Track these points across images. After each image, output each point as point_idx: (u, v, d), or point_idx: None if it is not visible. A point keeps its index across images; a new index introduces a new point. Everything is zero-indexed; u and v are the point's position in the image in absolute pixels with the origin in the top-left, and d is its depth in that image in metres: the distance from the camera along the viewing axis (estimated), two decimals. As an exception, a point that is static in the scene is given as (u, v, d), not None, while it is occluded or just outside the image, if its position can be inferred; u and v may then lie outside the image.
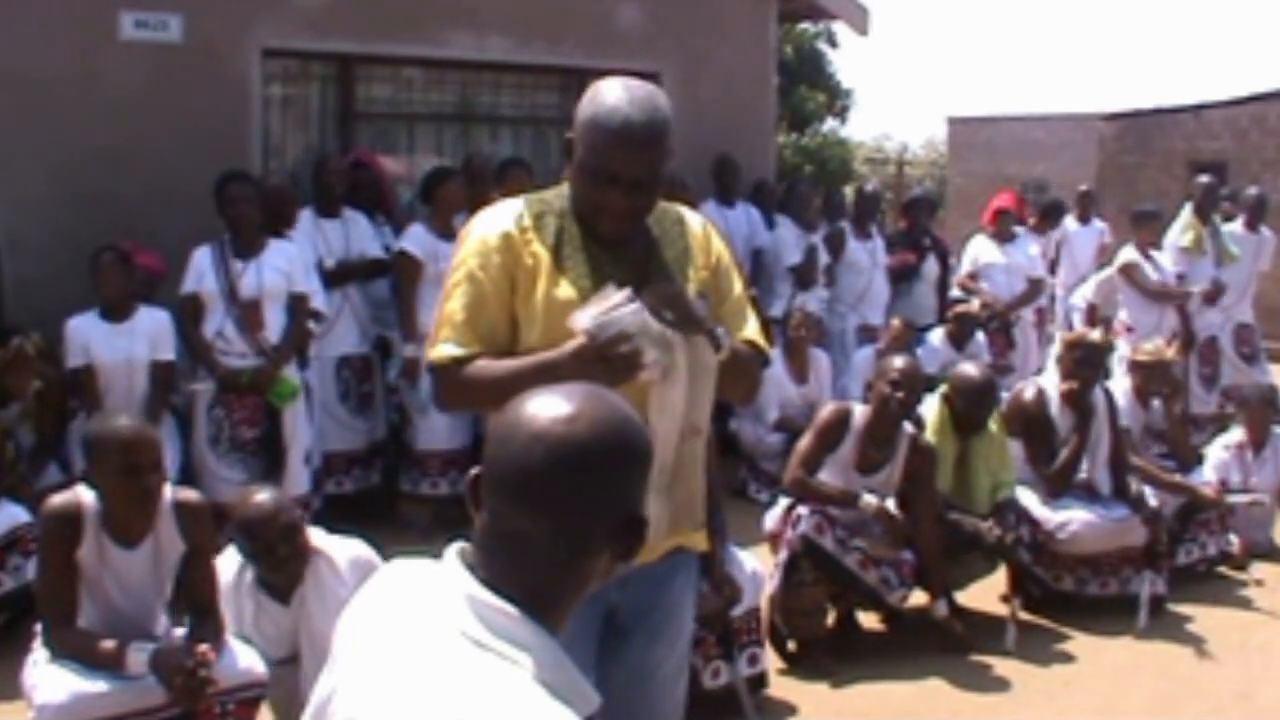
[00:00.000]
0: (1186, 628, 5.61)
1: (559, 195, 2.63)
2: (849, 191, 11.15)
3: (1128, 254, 8.83)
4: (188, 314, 5.92)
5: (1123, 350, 8.09)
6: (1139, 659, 5.27)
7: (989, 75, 77.09)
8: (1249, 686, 5.03)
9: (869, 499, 5.06)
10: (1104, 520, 5.65)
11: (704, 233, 2.73)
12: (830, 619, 5.25)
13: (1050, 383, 5.94)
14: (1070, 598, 5.68)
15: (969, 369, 5.68)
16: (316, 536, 3.92)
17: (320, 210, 6.65)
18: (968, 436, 5.48)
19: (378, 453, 6.84)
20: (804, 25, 16.81)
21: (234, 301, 5.87)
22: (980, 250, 9.14)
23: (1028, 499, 5.66)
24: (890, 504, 5.15)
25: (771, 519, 5.27)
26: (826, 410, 5.34)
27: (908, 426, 5.26)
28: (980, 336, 8.28)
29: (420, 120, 8.14)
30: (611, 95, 2.48)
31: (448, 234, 6.22)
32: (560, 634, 1.55)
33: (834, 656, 5.07)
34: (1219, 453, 6.64)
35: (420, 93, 8.16)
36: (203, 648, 3.50)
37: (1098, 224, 10.89)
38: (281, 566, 3.79)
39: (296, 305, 6.04)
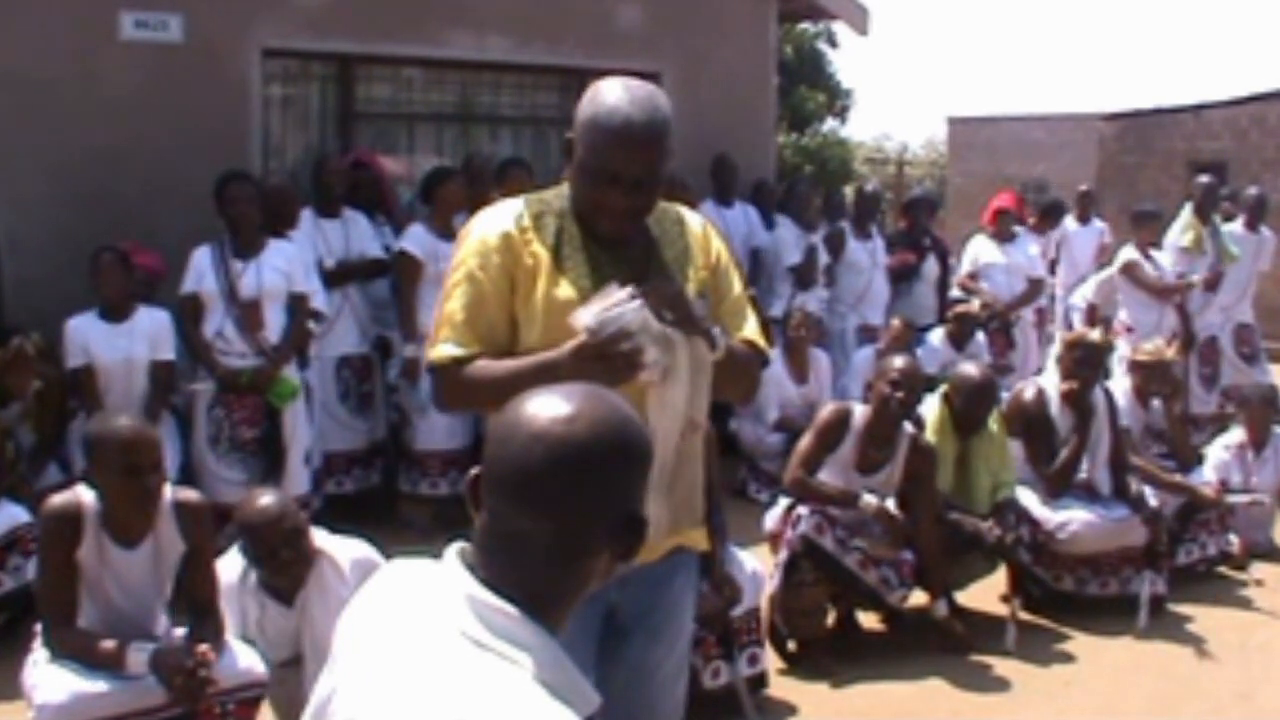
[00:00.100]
0: (1186, 628, 5.61)
1: (558, 195, 2.63)
2: (849, 191, 11.15)
3: (1128, 253, 8.83)
4: (187, 314, 5.92)
5: (1123, 350, 8.09)
6: (1139, 659, 5.27)
7: (989, 75, 77.13)
8: (1249, 686, 5.03)
9: (869, 499, 5.06)
10: (1104, 520, 5.65)
11: (703, 233, 2.73)
12: (830, 619, 5.25)
13: (1050, 383, 5.94)
14: (1070, 598, 5.67)
15: (969, 368, 5.69)
16: (319, 538, 3.92)
17: (320, 210, 6.65)
18: (968, 436, 5.48)
19: (378, 453, 6.84)
20: (804, 25, 16.82)
21: (234, 301, 5.87)
22: (980, 250, 9.14)
23: (1028, 499, 5.66)
24: (890, 504, 5.15)
25: (771, 519, 5.27)
26: (826, 410, 5.34)
27: (908, 426, 5.26)
28: (980, 336, 8.28)
29: (420, 120, 8.14)
30: (612, 95, 2.48)
31: (448, 234, 6.22)
32: (560, 634, 1.55)
33: (834, 656, 5.07)
34: (1219, 453, 6.64)
35: (420, 93, 8.16)
36: (203, 648, 3.51)
37: (1097, 224, 10.88)
38: (285, 570, 3.78)
39: (296, 305, 6.04)
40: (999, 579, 5.66)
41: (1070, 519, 5.62)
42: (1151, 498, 5.85)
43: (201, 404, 5.93)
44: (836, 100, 20.14)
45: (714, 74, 8.54)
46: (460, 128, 8.23)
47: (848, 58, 58.78)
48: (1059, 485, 5.71)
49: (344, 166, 7.01)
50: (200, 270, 5.90)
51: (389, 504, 6.71)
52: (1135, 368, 6.49)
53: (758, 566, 4.75)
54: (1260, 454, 6.62)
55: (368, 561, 3.86)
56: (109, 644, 3.54)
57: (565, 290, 2.52)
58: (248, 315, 5.88)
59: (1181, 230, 8.92)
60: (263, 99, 7.29)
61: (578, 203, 2.58)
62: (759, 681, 4.67)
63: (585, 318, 2.35)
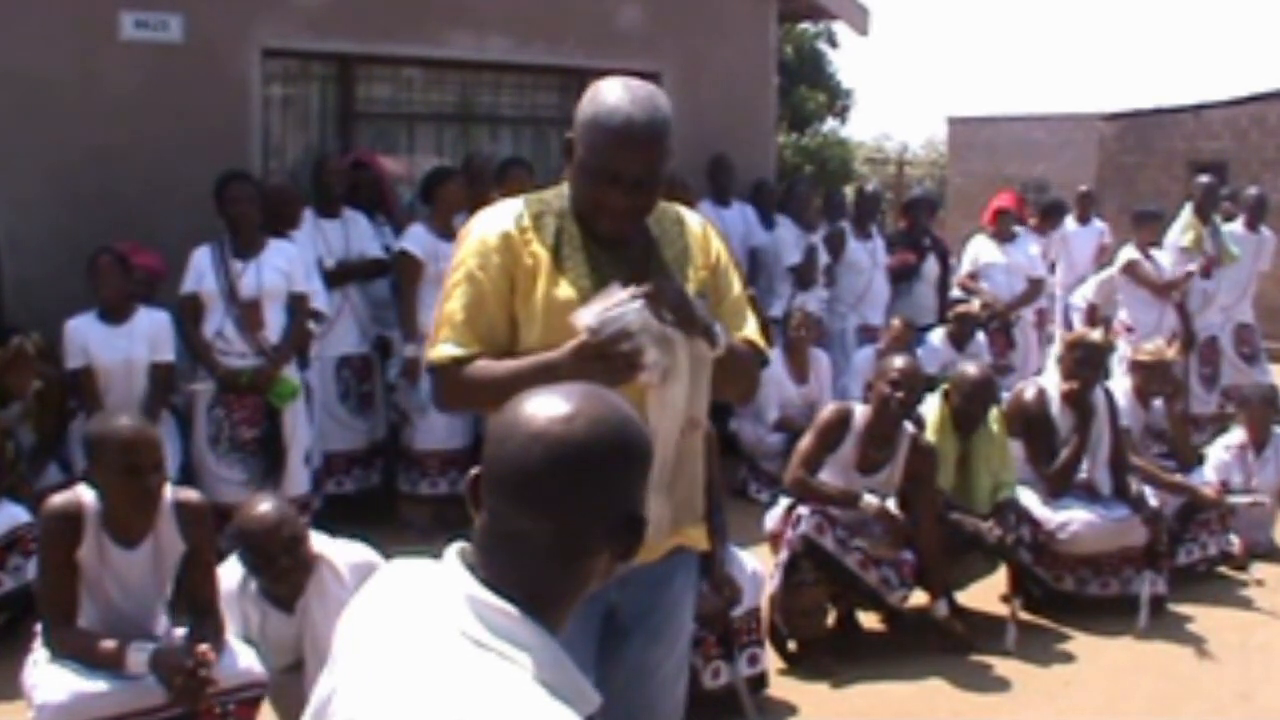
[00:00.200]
0: (1187, 628, 5.61)
1: (558, 195, 2.63)
2: (849, 191, 11.15)
3: (1129, 253, 8.83)
4: (187, 314, 5.91)
5: (1123, 350, 8.09)
6: (1139, 659, 5.27)
7: (989, 75, 77.13)
8: (1249, 686, 5.03)
9: (870, 499, 5.06)
10: (1104, 520, 5.65)
11: (703, 232, 2.73)
12: (830, 619, 5.25)
13: (1051, 383, 5.94)
14: (1071, 598, 5.67)
15: (968, 367, 5.70)
16: (319, 542, 3.89)
17: (320, 210, 6.64)
18: (968, 436, 5.48)
19: (378, 453, 6.84)
20: (804, 25, 16.81)
21: (234, 301, 5.87)
22: (980, 250, 9.14)
23: (1028, 499, 5.66)
24: (891, 504, 5.15)
25: (772, 519, 5.27)
26: (827, 410, 5.34)
27: (908, 426, 5.26)
28: (980, 337, 8.28)
29: (420, 120, 8.14)
30: (612, 95, 2.48)
31: (448, 234, 6.22)
32: (561, 634, 1.55)
33: (834, 656, 5.07)
34: (1220, 453, 6.64)
35: (420, 93, 8.16)
36: (203, 648, 3.50)
37: (1097, 224, 10.88)
38: (284, 578, 3.76)
39: (296, 305, 6.04)
40: (999, 579, 5.66)
41: (1071, 519, 5.62)
42: (1152, 498, 5.85)
43: (201, 404, 5.93)
44: (837, 100, 20.14)
45: (714, 74, 8.54)
46: (460, 128, 8.23)
47: (848, 58, 58.88)
48: (1059, 485, 5.71)
49: (344, 166, 7.01)
50: (200, 270, 5.90)
51: (389, 504, 6.71)
52: (1136, 368, 6.49)
53: (758, 566, 4.75)
54: (1261, 454, 6.62)
55: (367, 565, 3.84)
56: (109, 644, 3.54)
57: (565, 290, 2.52)
58: (248, 315, 5.88)
59: (1182, 230, 8.92)
60: (263, 99, 7.29)
61: (578, 203, 2.58)
62: (759, 681, 4.67)
63: (586, 317, 2.35)
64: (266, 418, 5.92)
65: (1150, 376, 6.37)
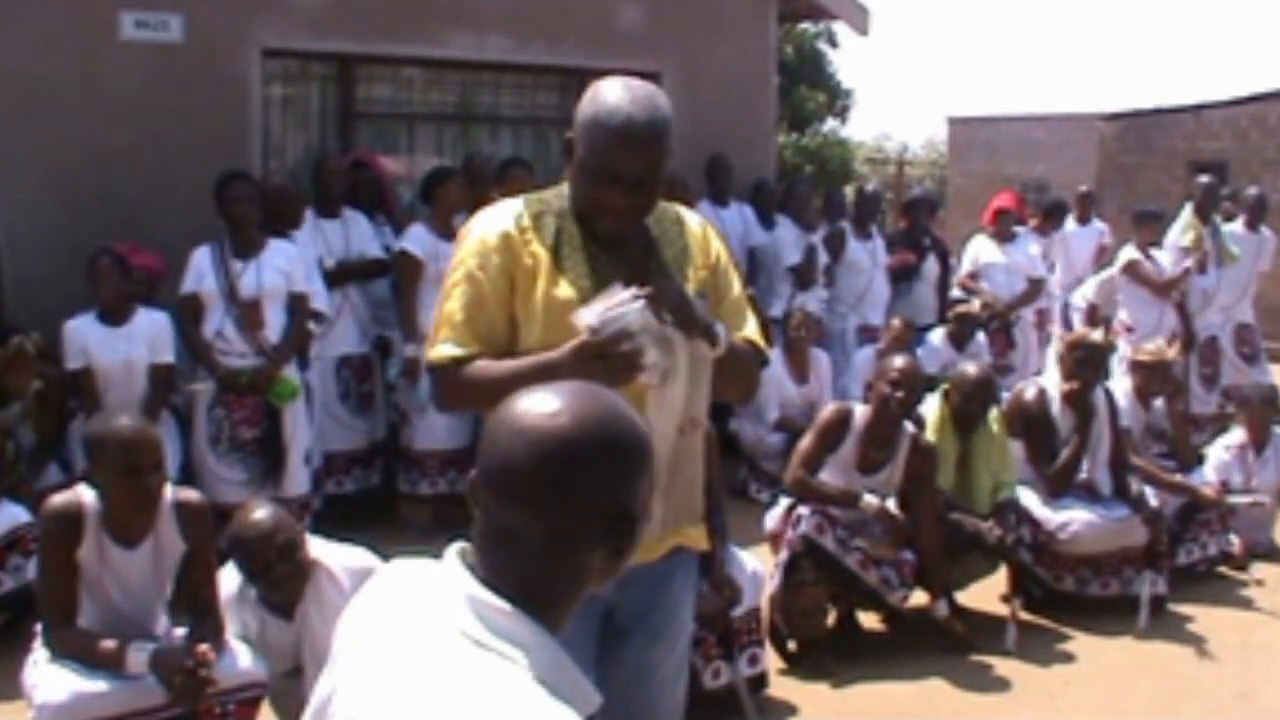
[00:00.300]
0: (1187, 628, 5.61)
1: (558, 195, 2.63)
2: (849, 192, 11.15)
3: (1129, 253, 8.82)
4: (187, 314, 5.91)
5: (1123, 350, 8.09)
6: (1139, 659, 5.27)
7: (989, 75, 77.14)
8: (1249, 686, 5.03)
9: (870, 499, 5.06)
10: (1105, 520, 5.65)
11: (703, 232, 2.73)
12: (831, 619, 5.25)
13: (1051, 383, 5.94)
14: (1071, 598, 5.67)
15: (968, 367, 5.70)
16: (316, 548, 3.86)
17: (320, 210, 6.64)
18: (968, 436, 5.48)
19: (378, 453, 6.84)
20: (804, 25, 16.81)
21: (234, 301, 5.87)
22: (980, 250, 9.14)
23: (1028, 499, 5.66)
24: (891, 504, 5.15)
25: (772, 519, 5.27)
26: (827, 410, 5.34)
27: (908, 426, 5.26)
28: (981, 337, 8.28)
29: (420, 120, 8.14)
30: (612, 95, 2.48)
31: (448, 234, 6.22)
32: (561, 633, 1.55)
33: (834, 656, 5.07)
34: (1220, 453, 6.64)
35: (420, 93, 8.16)
36: (203, 648, 3.51)
37: (1096, 224, 10.88)
38: (281, 585, 3.72)
39: (296, 305, 6.03)
40: (999, 579, 5.66)
41: (1071, 519, 5.62)
42: (1152, 498, 5.85)
43: (202, 404, 5.92)
44: (837, 100, 20.13)
45: (714, 74, 8.54)
46: (460, 128, 8.23)
47: (848, 58, 58.88)
48: (1060, 485, 5.71)
49: (344, 166, 7.01)
50: (200, 270, 5.90)
51: (389, 504, 6.71)
52: (1136, 368, 6.48)
53: (758, 566, 4.75)
54: (1261, 454, 6.62)
55: (365, 571, 3.81)
56: (109, 644, 3.54)
57: (565, 290, 2.52)
58: (248, 315, 5.88)
59: (1182, 230, 8.92)
60: (263, 99, 7.29)
61: (578, 202, 2.58)
62: (759, 681, 4.67)
63: (587, 317, 2.35)
64: (267, 418, 5.91)
65: (1151, 377, 6.37)
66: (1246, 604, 6.01)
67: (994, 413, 5.57)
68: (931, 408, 5.52)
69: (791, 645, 5.12)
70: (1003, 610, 5.54)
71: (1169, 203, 10.53)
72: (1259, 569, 6.38)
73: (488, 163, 7.32)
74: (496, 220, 2.60)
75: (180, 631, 3.78)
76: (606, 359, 2.33)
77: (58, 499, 3.68)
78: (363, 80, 7.76)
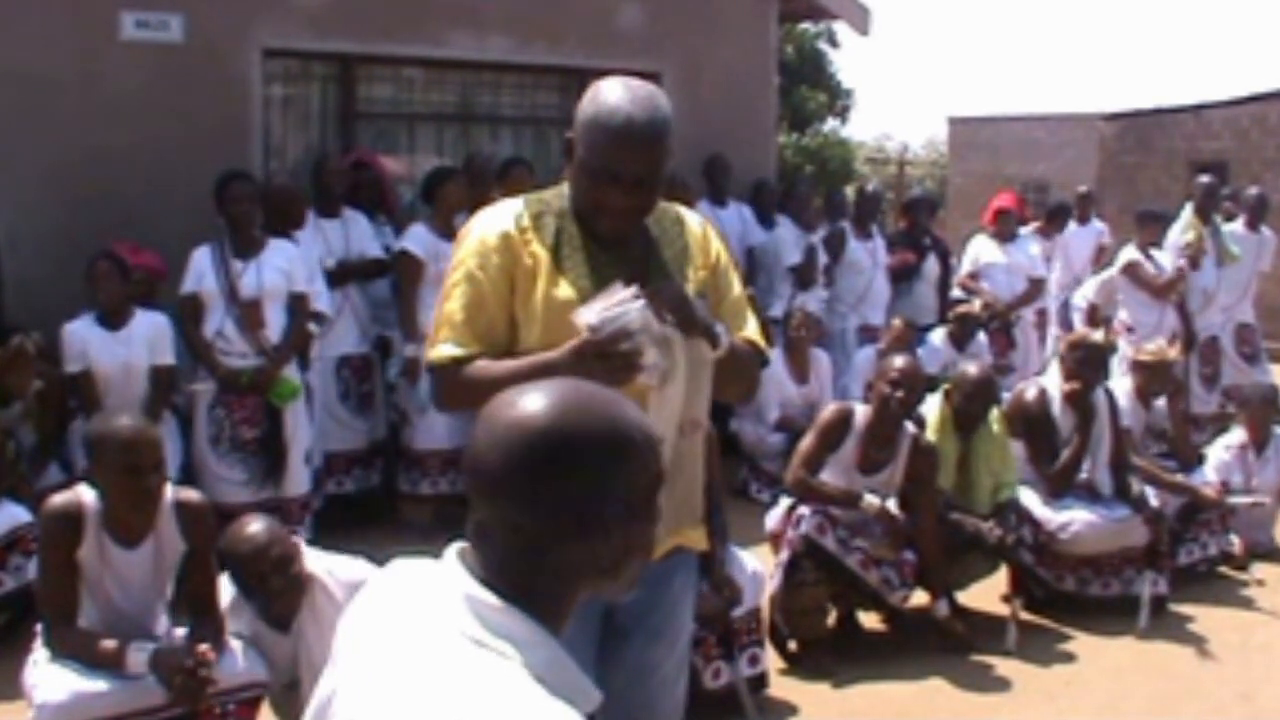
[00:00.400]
0: (1187, 628, 5.61)
1: (558, 195, 2.63)
2: (850, 192, 11.15)
3: (1129, 253, 8.82)
4: (188, 314, 5.90)
5: (1123, 350, 8.09)
6: (1140, 659, 5.27)
7: (989, 75, 77.17)
8: (1250, 686, 5.02)
9: (871, 499, 5.06)
10: (1105, 521, 5.65)
11: (703, 232, 2.73)
12: (831, 619, 5.25)
13: (1052, 383, 5.93)
14: (1072, 598, 5.67)
15: (969, 367, 5.70)
16: (312, 561, 3.81)
17: (320, 210, 6.64)
18: (969, 436, 5.48)
19: (378, 452, 6.84)
20: (805, 25, 16.80)
21: (234, 301, 5.86)
22: (981, 250, 9.15)
23: (1029, 499, 5.66)
24: (892, 504, 5.15)
25: (773, 519, 5.27)
26: (828, 410, 5.34)
27: (909, 426, 5.26)
28: (981, 337, 8.27)
29: (421, 120, 8.14)
30: (613, 95, 2.48)
31: (449, 234, 6.21)
32: (562, 632, 1.54)
33: (835, 656, 5.07)
34: (1220, 453, 6.63)
35: (421, 93, 8.16)
36: (203, 648, 3.50)
37: (1096, 224, 10.87)
38: (277, 599, 3.69)
39: (296, 305, 6.03)
40: (1000, 579, 5.65)
41: (1072, 519, 5.62)
42: (1153, 498, 5.85)
43: (202, 404, 5.92)
44: (837, 100, 20.12)
45: (714, 74, 8.54)
46: (461, 128, 8.23)
47: (849, 58, 58.91)
48: (1060, 485, 5.71)
49: (345, 166, 7.01)
50: (200, 270, 5.89)
51: (389, 504, 6.71)
52: (1138, 368, 6.48)
53: (758, 566, 4.75)
54: (1261, 454, 6.62)
55: (360, 584, 3.77)
56: (109, 644, 3.53)
57: (565, 290, 2.52)
58: (248, 315, 5.87)
59: (1182, 230, 8.92)
60: (263, 99, 7.29)
61: (578, 202, 2.57)
62: (759, 682, 4.67)
63: (588, 315, 2.35)
64: (267, 418, 5.91)
65: (1152, 377, 6.36)
66: (1247, 604, 6.01)
67: (995, 413, 5.57)
68: (932, 408, 5.52)
69: (792, 645, 5.12)
70: (1003, 610, 5.54)
71: (1169, 203, 10.53)
72: (1259, 569, 6.37)
73: (488, 163, 7.32)
74: (496, 220, 2.59)
75: (180, 631, 3.77)
76: (605, 358, 2.33)
77: (58, 499, 3.68)
78: (363, 80, 7.77)
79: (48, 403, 5.63)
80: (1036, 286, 9.14)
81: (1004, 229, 9.12)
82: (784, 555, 5.00)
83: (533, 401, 1.54)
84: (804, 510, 4.99)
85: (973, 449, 5.48)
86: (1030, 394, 5.86)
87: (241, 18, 7.06)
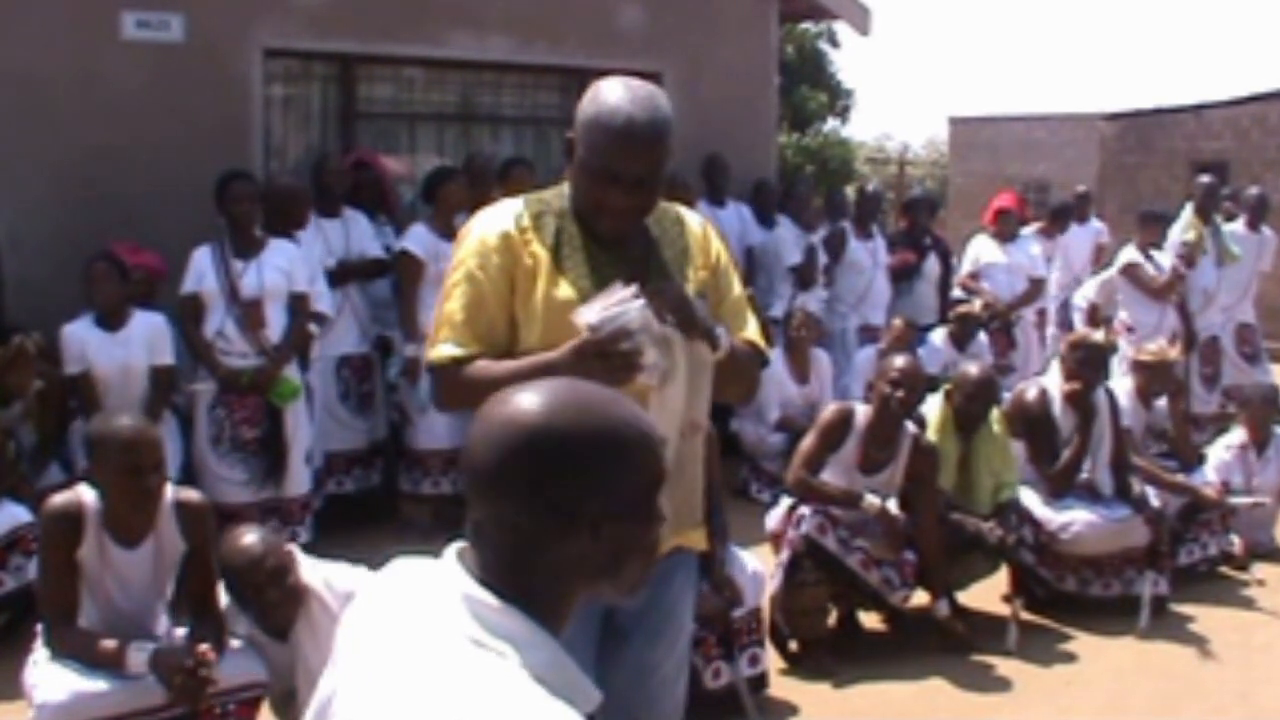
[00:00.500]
0: (1188, 628, 5.61)
1: (558, 195, 2.63)
2: (850, 191, 11.14)
3: (1129, 254, 8.82)
4: (188, 314, 5.90)
5: (1124, 350, 8.08)
6: (1140, 659, 5.26)
7: (990, 75, 77.19)
8: (1250, 686, 5.02)
9: (871, 499, 5.06)
10: (1106, 521, 5.65)
11: (703, 232, 2.73)
12: (832, 619, 5.25)
13: (1053, 383, 5.93)
14: (1073, 598, 5.67)
15: (970, 367, 5.70)
16: (308, 571, 3.77)
17: (321, 210, 6.64)
18: (970, 436, 5.48)
19: (378, 452, 6.84)
20: (805, 25, 16.81)
21: (235, 301, 5.86)
22: (981, 250, 9.14)
23: (1030, 499, 5.66)
24: (892, 504, 5.15)
25: (773, 519, 5.27)
26: (829, 410, 5.34)
27: (910, 426, 5.25)
28: (982, 337, 8.27)
29: (421, 120, 8.14)
30: (613, 95, 2.48)
31: (449, 234, 6.21)
32: (562, 632, 1.54)
33: (835, 656, 5.07)
34: (1221, 453, 6.63)
35: (421, 93, 8.16)
36: (203, 647, 3.51)
37: (1094, 224, 10.87)
38: (273, 611, 3.68)
39: (297, 305, 6.03)
40: (1000, 579, 5.65)
41: (1073, 520, 5.62)
42: (1154, 498, 5.84)
43: (203, 404, 5.92)
44: (838, 100, 20.13)
45: (715, 74, 8.54)
46: (461, 127, 8.23)
47: (849, 57, 58.91)
48: (1061, 486, 5.71)
49: (345, 166, 7.01)
50: (200, 270, 5.89)
51: (390, 504, 6.71)
52: (1138, 368, 6.47)
53: (759, 567, 4.75)
54: (1262, 454, 6.61)
55: (354, 594, 3.74)
56: (109, 643, 3.54)
57: (565, 290, 2.52)
58: (249, 315, 5.87)
59: (1183, 230, 8.92)
60: (264, 99, 7.29)
61: (578, 202, 2.57)
62: (760, 682, 4.66)
63: (588, 315, 2.35)
64: (268, 418, 5.91)
65: (1152, 377, 6.36)
66: (1247, 604, 6.01)
67: (995, 413, 5.57)
68: (933, 408, 5.52)
69: (792, 645, 5.12)
70: (1004, 610, 5.53)
71: (1170, 203, 10.53)
72: (1260, 569, 6.37)
73: (489, 163, 7.32)
74: (496, 220, 2.59)
75: (181, 631, 3.78)
76: (605, 358, 2.33)
77: (58, 499, 3.68)
78: (364, 80, 7.77)
79: (48, 403, 5.62)
80: (1037, 286, 9.14)
81: (1004, 229, 9.12)
82: (784, 555, 5.00)
83: (526, 400, 1.53)
84: (805, 510, 4.98)
85: (973, 449, 5.48)
86: (1031, 394, 5.86)
87: (242, 18, 7.06)
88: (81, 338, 5.64)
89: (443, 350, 2.55)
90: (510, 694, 1.41)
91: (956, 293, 9.06)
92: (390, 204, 7.25)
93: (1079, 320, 9.38)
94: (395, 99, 8.05)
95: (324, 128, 7.69)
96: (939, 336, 8.12)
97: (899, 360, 5.30)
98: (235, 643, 3.72)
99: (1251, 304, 9.38)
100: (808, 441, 5.19)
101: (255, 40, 7.11)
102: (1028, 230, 9.66)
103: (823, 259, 8.32)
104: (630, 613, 2.61)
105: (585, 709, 1.48)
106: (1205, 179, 9.18)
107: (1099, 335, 6.27)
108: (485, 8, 7.75)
